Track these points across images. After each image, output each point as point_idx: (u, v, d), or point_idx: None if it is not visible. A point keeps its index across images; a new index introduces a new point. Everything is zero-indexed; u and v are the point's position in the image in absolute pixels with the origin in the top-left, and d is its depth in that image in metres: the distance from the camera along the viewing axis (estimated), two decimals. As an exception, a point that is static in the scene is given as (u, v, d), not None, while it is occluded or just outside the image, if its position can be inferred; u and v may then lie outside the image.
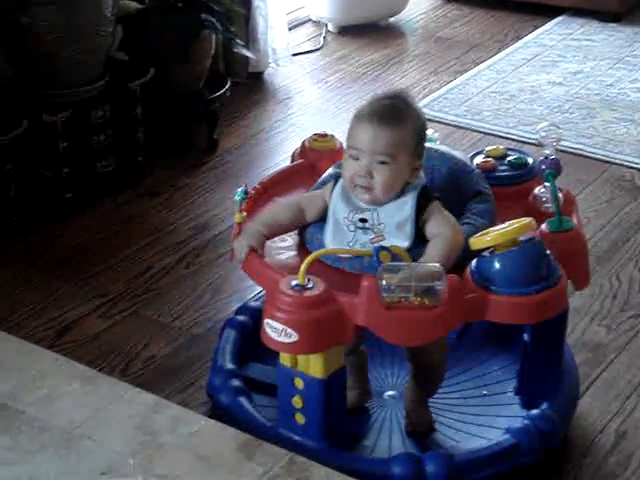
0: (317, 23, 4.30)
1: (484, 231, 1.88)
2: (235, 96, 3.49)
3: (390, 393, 2.18)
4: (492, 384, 2.21)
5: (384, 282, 1.78)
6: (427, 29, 4.31)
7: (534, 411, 2.01)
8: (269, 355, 2.06)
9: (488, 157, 2.20)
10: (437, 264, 1.80)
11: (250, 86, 3.74)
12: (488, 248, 1.85)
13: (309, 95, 3.73)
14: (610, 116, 3.50)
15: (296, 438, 1.93)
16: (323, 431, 1.92)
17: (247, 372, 2.19)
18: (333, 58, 4.03)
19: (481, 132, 3.41)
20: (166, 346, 2.39)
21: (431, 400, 2.13)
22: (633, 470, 2.03)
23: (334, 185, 1.96)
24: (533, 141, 3.18)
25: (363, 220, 1.90)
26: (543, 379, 2.06)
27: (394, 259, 1.82)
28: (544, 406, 2.01)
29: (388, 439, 2.08)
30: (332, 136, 2.31)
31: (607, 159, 3.23)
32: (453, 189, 2.02)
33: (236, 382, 2.11)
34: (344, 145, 2.27)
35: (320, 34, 4.20)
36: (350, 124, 1.93)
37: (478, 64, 3.94)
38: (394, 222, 1.88)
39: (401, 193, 1.90)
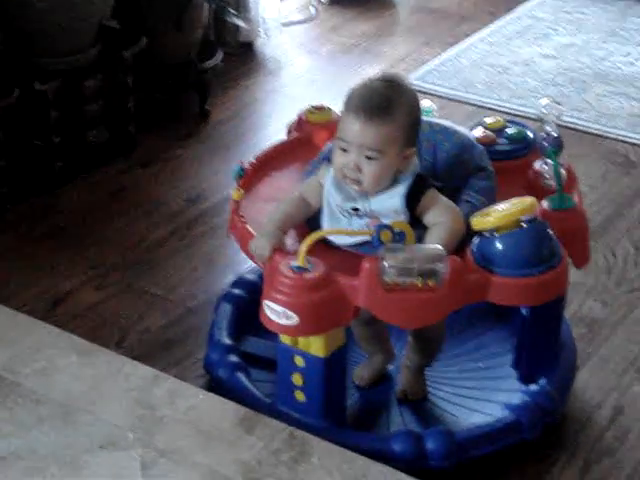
0: (307, -7, 4.26)
1: (486, 210, 1.85)
2: (226, 66, 3.44)
3: (389, 367, 2.16)
4: (489, 357, 2.20)
5: (385, 264, 1.76)
6: (418, 0, 4.28)
7: (533, 387, 2.01)
8: (266, 329, 2.05)
9: (487, 129, 2.18)
10: (438, 246, 1.78)
11: (241, 56, 3.70)
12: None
13: (301, 66, 3.70)
14: (603, 90, 3.49)
15: (295, 415, 1.91)
16: (323, 409, 1.91)
17: (244, 346, 2.17)
18: (324, 29, 4.00)
19: (474, 105, 3.39)
20: (161, 318, 2.37)
21: (428, 374, 2.12)
22: (630, 445, 2.04)
23: (326, 169, 1.92)
24: (528, 114, 3.17)
25: (355, 209, 1.87)
26: (541, 354, 2.06)
27: (395, 237, 1.80)
28: (543, 381, 2.01)
29: (386, 414, 2.07)
30: (329, 108, 2.28)
31: (600, 133, 3.22)
32: (456, 164, 1.99)
33: (234, 357, 2.09)
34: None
35: (310, 4, 4.15)
36: (342, 110, 1.87)
37: (470, 36, 3.91)
38: (386, 211, 1.85)
39: (393, 183, 1.85)
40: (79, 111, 2.85)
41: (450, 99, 3.43)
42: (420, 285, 1.76)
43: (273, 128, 3.18)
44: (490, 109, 3.34)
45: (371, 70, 3.59)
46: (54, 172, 2.84)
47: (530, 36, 3.90)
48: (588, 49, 3.78)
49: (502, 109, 3.32)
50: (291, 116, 2.32)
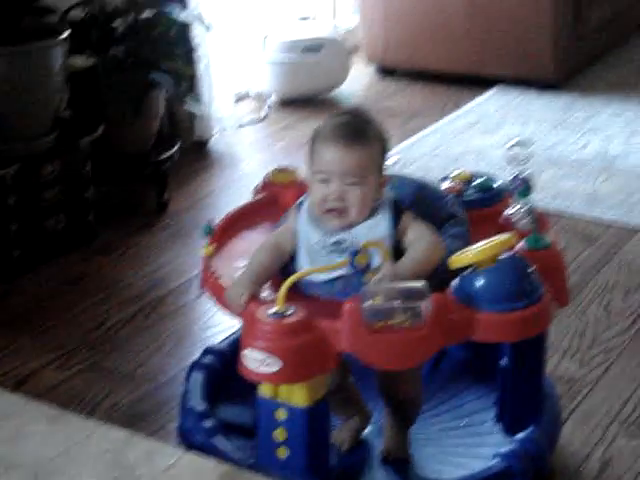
0: (258, 96, 4.31)
1: (464, 250, 1.84)
2: (182, 160, 3.44)
3: (368, 429, 2.10)
4: (470, 414, 2.15)
5: (367, 305, 1.72)
6: (367, 101, 4.34)
7: (521, 434, 1.95)
8: (239, 396, 1.98)
9: (454, 182, 2.19)
10: (421, 282, 1.75)
11: (195, 153, 3.70)
12: (469, 267, 1.81)
13: (256, 161, 3.72)
14: (557, 173, 3.54)
15: (278, 474, 1.83)
16: (307, 464, 1.83)
17: (218, 414, 2.09)
18: (276, 128, 4.03)
19: (432, 189, 3.40)
20: (130, 394, 2.30)
21: (410, 434, 2.06)
22: (622, 496, 1.99)
23: (297, 212, 1.91)
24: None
25: (338, 243, 1.84)
26: (526, 403, 2.01)
27: (371, 259, 1.76)
28: (529, 429, 1.96)
29: (370, 475, 2.00)
30: (293, 169, 2.28)
31: (558, 212, 3.25)
32: (428, 215, 1.96)
33: (209, 422, 2.01)
34: (306, 177, 2.25)
35: (262, 107, 4.20)
36: (312, 146, 1.87)
37: (421, 130, 3.97)
38: (374, 239, 1.81)
39: (373, 211, 1.85)
40: (37, 198, 2.81)
41: (407, 185, 3.43)
42: (402, 324, 1.72)
43: (232, 217, 3.16)
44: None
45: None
46: (11, 260, 2.78)
47: (480, 129, 3.97)
48: (538, 139, 3.84)
49: (459, 192, 3.34)
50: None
